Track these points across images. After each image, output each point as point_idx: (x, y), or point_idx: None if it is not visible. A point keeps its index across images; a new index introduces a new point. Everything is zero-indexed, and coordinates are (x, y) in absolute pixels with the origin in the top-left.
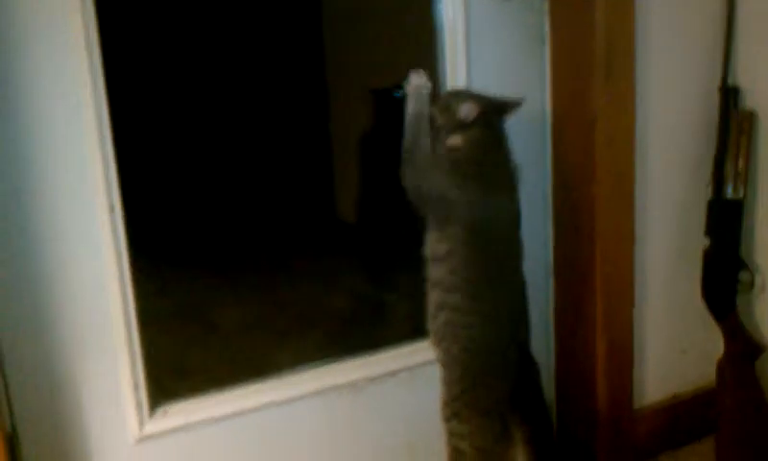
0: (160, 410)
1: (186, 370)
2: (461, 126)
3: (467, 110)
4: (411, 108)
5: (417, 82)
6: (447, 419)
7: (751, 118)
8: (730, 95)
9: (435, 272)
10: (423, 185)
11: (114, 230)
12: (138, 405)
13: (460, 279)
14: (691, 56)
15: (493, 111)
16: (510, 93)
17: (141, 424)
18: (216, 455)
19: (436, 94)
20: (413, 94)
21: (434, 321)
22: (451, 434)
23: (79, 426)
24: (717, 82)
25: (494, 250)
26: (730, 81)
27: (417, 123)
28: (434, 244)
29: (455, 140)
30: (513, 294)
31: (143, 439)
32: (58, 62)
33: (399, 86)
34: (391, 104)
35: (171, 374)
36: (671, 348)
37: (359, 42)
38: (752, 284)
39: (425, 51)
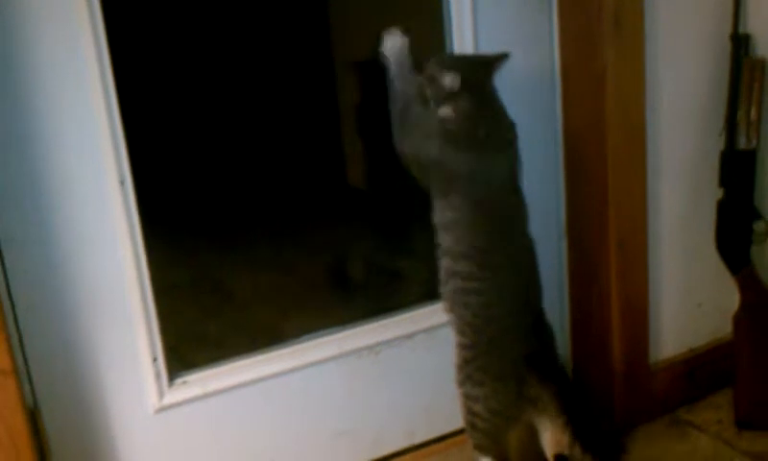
0: (179, 380)
1: (204, 339)
2: (449, 96)
3: (450, 81)
4: (393, 71)
5: (392, 43)
6: (461, 383)
7: (763, 66)
8: (741, 43)
9: (443, 240)
10: (421, 154)
11: (126, 203)
12: (157, 376)
13: (467, 247)
14: (702, 3)
15: (479, 73)
16: (517, 46)
17: (161, 394)
18: (235, 422)
19: (421, 61)
20: (392, 57)
21: (445, 287)
22: (466, 397)
23: (99, 398)
24: (728, 29)
25: (499, 214)
26: (741, 28)
27: (402, 87)
28: (440, 212)
29: (446, 111)
30: (521, 257)
31: (163, 409)
32: (62, 34)
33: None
34: (379, 73)
35: (189, 343)
36: (687, 301)
37: (364, 6)
38: (766, 235)
39: (432, 5)
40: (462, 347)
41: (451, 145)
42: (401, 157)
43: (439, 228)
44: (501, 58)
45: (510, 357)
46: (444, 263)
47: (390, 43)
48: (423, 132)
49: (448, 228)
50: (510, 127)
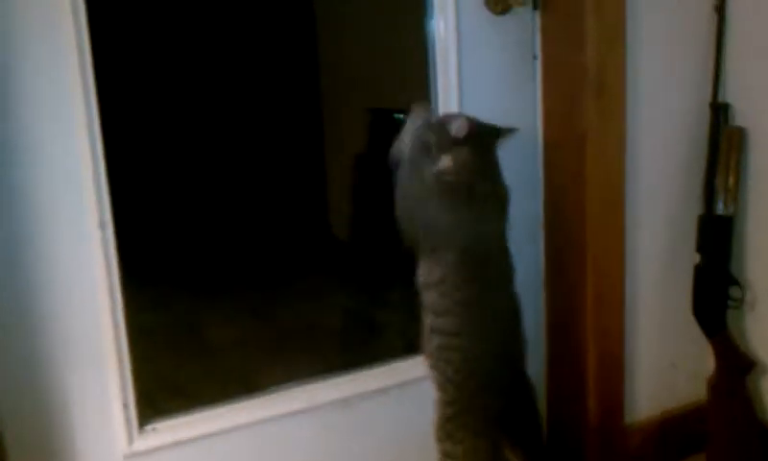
0: (150, 427)
1: (177, 386)
2: (453, 143)
3: (458, 126)
4: (407, 141)
5: (417, 113)
6: (441, 439)
7: (741, 134)
8: (720, 111)
9: (427, 297)
10: (416, 215)
11: (105, 247)
12: (128, 421)
13: (451, 303)
14: (682, 72)
15: (486, 133)
16: (501, 108)
17: (130, 440)
18: None
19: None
20: (411, 128)
21: (428, 344)
22: (445, 455)
23: (68, 440)
24: (708, 98)
25: (485, 272)
26: (720, 97)
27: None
28: (426, 271)
29: (446, 162)
30: (505, 315)
31: (132, 455)
32: (47, 65)
33: (401, 111)
34: (387, 124)
35: (162, 390)
36: (662, 363)
37: (354, 60)
38: (742, 300)
39: (418, 68)
40: (443, 403)
41: (446, 196)
42: (398, 219)
43: (423, 287)
44: (509, 131)
45: (489, 415)
46: (428, 320)
47: (416, 113)
48: (421, 191)
49: (434, 285)
50: (505, 191)
